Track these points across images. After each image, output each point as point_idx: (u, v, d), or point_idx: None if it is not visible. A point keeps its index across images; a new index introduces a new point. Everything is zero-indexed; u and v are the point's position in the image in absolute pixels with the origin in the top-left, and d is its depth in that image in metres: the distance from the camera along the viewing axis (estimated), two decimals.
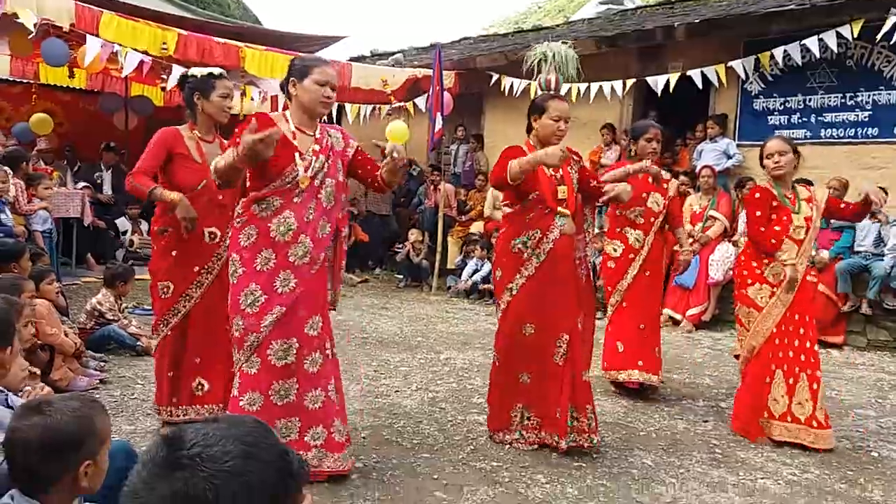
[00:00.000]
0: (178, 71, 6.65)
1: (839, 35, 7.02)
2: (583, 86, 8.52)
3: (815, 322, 4.02)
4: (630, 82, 8.48)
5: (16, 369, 2.27)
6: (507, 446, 3.61)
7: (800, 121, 7.90)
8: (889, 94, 7.28)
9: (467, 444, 3.64)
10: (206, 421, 1.09)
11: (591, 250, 3.94)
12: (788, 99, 7.95)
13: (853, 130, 7.55)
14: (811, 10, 7.26)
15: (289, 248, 2.89)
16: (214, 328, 3.42)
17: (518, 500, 3.03)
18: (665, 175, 4.76)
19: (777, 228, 3.89)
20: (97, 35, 6.83)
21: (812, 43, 7.16)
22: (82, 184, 9.03)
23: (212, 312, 3.41)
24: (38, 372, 3.65)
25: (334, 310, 3.25)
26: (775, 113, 8.06)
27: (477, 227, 9.32)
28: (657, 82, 8.20)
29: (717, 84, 8.03)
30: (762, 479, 3.39)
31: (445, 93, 9.13)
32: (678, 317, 7.19)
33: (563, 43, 3.85)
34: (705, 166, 7.72)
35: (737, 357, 4.18)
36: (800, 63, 7.42)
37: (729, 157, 8.01)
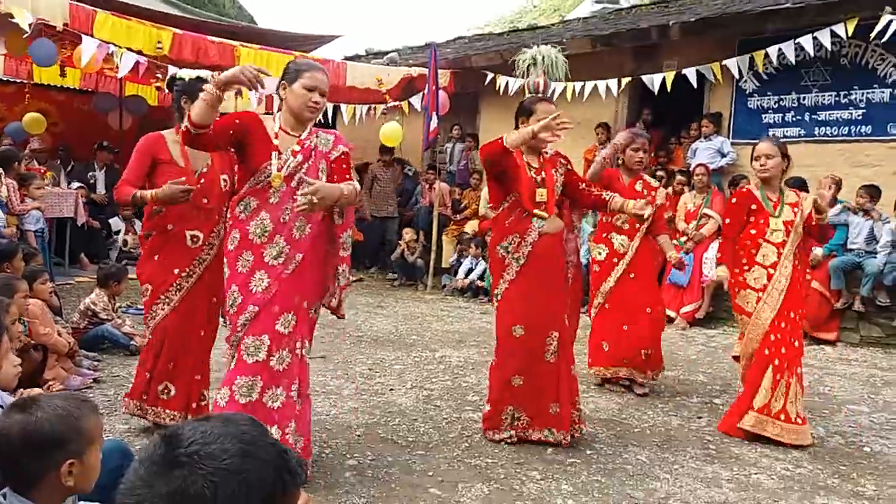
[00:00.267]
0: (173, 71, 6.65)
1: (833, 33, 7.04)
2: (577, 85, 8.53)
3: (809, 319, 4.04)
4: (625, 81, 8.49)
5: (7, 367, 2.26)
6: (502, 443, 3.62)
7: (794, 119, 7.92)
8: (883, 92, 7.30)
9: (462, 442, 3.65)
10: (202, 419, 1.09)
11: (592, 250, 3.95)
12: (783, 97, 7.97)
13: (847, 129, 7.57)
14: (806, 8, 7.27)
15: (264, 249, 2.92)
16: (189, 335, 3.39)
17: (513, 496, 3.04)
18: (653, 183, 4.87)
19: (753, 232, 3.91)
20: (91, 35, 6.82)
21: (806, 41, 7.18)
22: (76, 184, 9.01)
23: (189, 319, 3.38)
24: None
25: (339, 316, 3.21)
26: (770, 111, 8.08)
27: (471, 226, 9.32)
28: (652, 81, 8.22)
29: (711, 82, 8.05)
30: (756, 474, 3.40)
31: (442, 92, 9.13)
32: (672, 314, 7.20)
33: (552, 46, 3.85)
34: (700, 165, 7.74)
35: (735, 358, 4.18)
36: (794, 61, 7.44)
37: (723, 156, 8.03)
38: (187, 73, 3.43)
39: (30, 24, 6.31)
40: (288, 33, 10.35)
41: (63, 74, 9.35)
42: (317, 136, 3.05)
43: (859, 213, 6.74)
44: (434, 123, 8.66)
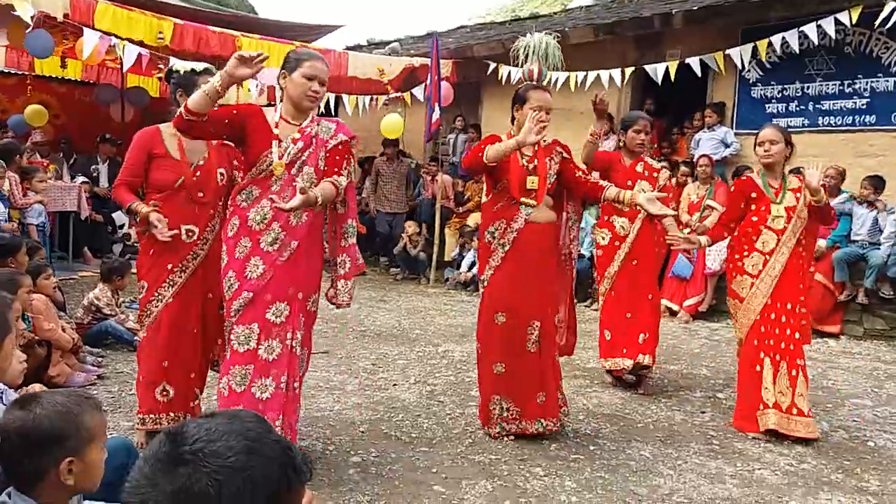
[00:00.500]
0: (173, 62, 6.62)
1: (837, 21, 6.99)
2: (580, 74, 8.49)
3: (812, 312, 4.04)
4: (629, 71, 8.44)
5: (13, 364, 2.26)
6: (505, 440, 3.62)
7: (798, 108, 7.88)
8: (887, 80, 7.26)
9: (466, 438, 3.66)
10: (206, 416, 1.09)
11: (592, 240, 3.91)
12: (786, 87, 7.93)
13: (851, 118, 7.53)
14: None
15: (261, 235, 2.95)
16: (182, 332, 3.33)
17: (517, 493, 3.04)
18: (655, 165, 4.82)
19: (754, 219, 3.92)
20: (92, 25, 6.79)
21: (810, 30, 7.13)
22: (81, 178, 8.98)
23: (182, 315, 3.32)
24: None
25: (339, 307, 3.21)
26: (773, 101, 8.04)
27: (474, 219, 9.28)
28: (656, 70, 8.16)
29: (715, 72, 8.00)
30: (759, 469, 3.40)
31: (445, 83, 9.09)
32: (675, 307, 7.21)
33: (546, 33, 3.84)
34: (703, 155, 7.70)
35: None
36: (797, 50, 7.39)
37: (727, 146, 8.00)
38: (182, 66, 3.39)
39: (31, 16, 6.29)
40: (289, 23, 10.30)
41: (64, 66, 9.32)
42: (318, 125, 3.08)
43: (863, 204, 6.72)
44: (436, 115, 8.63)
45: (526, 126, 3.38)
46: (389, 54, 10.47)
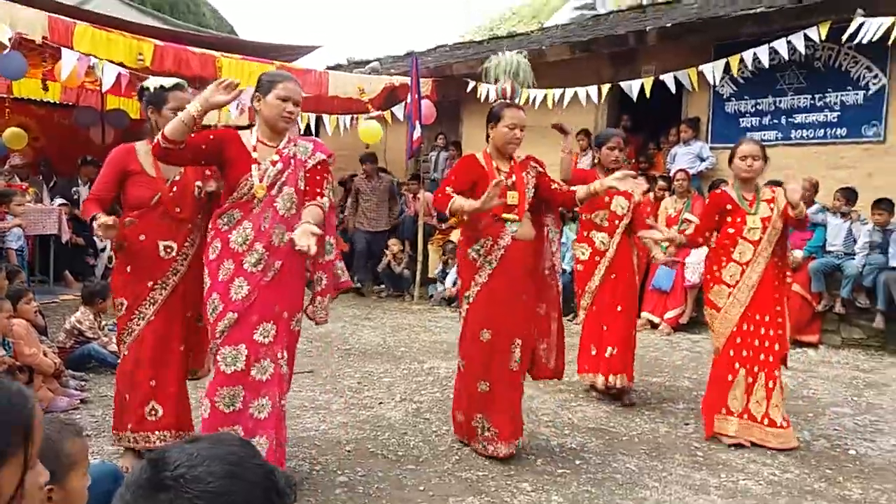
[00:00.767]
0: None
1: (807, 37, 7.15)
2: (557, 92, 8.60)
3: (791, 322, 4.12)
4: (605, 87, 8.57)
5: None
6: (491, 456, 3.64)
7: (771, 122, 8.05)
8: (856, 94, 7.44)
9: (452, 455, 3.67)
10: (191, 440, 1.09)
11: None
12: (759, 101, 8.09)
13: (822, 131, 7.70)
14: (779, 12, 7.40)
15: (244, 257, 2.97)
16: (166, 350, 3.31)
17: None
18: None
19: (731, 230, 4.01)
20: (71, 47, 6.78)
21: (780, 45, 7.28)
22: (59, 200, 8.91)
23: (165, 333, 3.30)
24: None
25: (318, 323, 3.27)
26: (747, 115, 8.20)
27: (457, 235, 9.31)
28: (631, 87, 8.29)
29: (689, 88, 8.15)
30: (744, 480, 3.45)
31: (428, 102, 9.16)
32: (656, 320, 7.28)
33: (517, 52, 3.92)
34: (680, 170, 7.82)
35: None
36: (768, 65, 7.55)
37: (702, 160, 8.14)
38: (152, 83, 3.35)
39: (9, 38, 6.27)
40: (269, 44, 10.34)
41: (45, 88, 9.27)
42: (295, 145, 3.13)
43: (837, 215, 6.85)
44: (417, 132, 8.68)
45: (485, 195, 3.37)
46: (370, 73, 10.54)
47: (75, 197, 9.45)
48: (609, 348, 4.56)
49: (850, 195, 6.83)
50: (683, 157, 8.20)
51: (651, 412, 4.50)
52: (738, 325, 3.95)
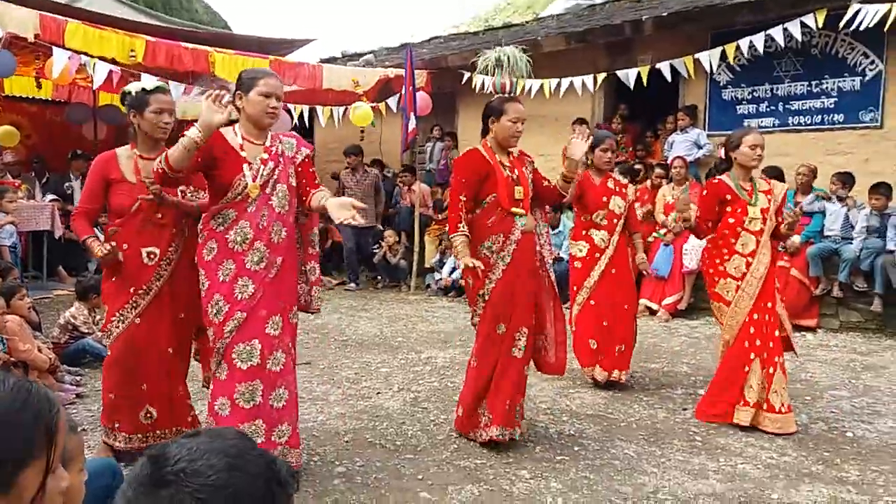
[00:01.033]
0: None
1: (803, 24, 7.13)
2: (553, 81, 8.57)
3: (788, 307, 4.11)
4: (601, 77, 8.54)
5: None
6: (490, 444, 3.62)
7: (768, 109, 8.02)
8: (853, 80, 7.41)
9: (451, 443, 3.66)
10: (191, 435, 1.08)
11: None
12: (756, 88, 8.06)
13: (820, 117, 7.67)
14: (775, 0, 7.36)
15: (245, 256, 2.97)
16: (152, 353, 3.28)
17: (503, 496, 3.05)
18: (622, 180, 5.01)
19: (731, 221, 3.98)
20: (63, 45, 6.74)
21: (777, 32, 7.26)
22: (51, 196, 8.88)
23: (151, 336, 3.26)
24: None
25: (311, 313, 3.30)
26: (744, 102, 8.17)
27: None
28: (627, 76, 8.27)
29: (685, 76, 8.12)
30: (742, 464, 3.44)
31: (423, 93, 9.11)
32: (654, 306, 7.27)
33: (514, 46, 3.90)
34: (677, 157, 7.81)
35: None
36: (763, 52, 7.52)
37: (700, 147, 8.12)
38: (134, 87, 3.31)
39: (1, 38, 6.24)
40: (263, 38, 10.30)
41: (39, 86, 9.25)
42: (280, 141, 3.14)
43: (834, 200, 6.85)
44: (412, 124, 8.65)
45: (466, 259, 3.42)
46: (364, 66, 10.50)
47: (68, 192, 9.44)
48: (618, 346, 4.64)
49: (847, 179, 6.82)
50: (681, 144, 8.18)
51: (649, 398, 4.49)
52: (749, 316, 3.91)
